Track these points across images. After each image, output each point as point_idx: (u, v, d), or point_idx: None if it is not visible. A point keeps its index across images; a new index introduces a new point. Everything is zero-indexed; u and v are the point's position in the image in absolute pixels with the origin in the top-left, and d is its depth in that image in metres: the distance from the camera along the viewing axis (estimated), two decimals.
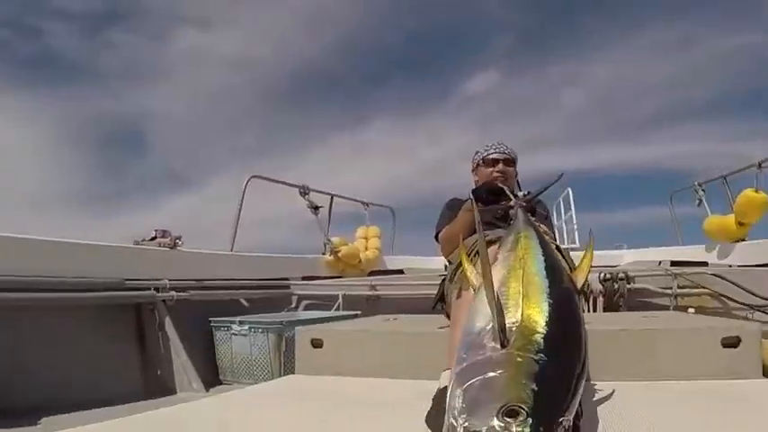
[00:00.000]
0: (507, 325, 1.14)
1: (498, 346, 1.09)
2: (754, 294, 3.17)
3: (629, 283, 3.38)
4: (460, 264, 2.08)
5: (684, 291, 3.33)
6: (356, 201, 6.47)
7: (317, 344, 2.43)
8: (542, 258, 1.45)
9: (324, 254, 5.22)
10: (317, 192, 5.38)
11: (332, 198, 5.77)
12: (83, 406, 2.19)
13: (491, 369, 1.03)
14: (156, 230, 3.73)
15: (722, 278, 3.32)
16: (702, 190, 5.53)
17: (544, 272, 1.36)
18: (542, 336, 1.10)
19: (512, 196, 2.23)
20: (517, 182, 2.63)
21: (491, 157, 2.55)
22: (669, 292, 3.34)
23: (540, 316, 1.16)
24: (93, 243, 3.14)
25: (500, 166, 2.51)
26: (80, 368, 2.77)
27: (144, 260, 3.39)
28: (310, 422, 1.63)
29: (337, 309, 3.90)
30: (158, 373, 3.14)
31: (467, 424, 0.93)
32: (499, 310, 1.17)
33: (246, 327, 3.17)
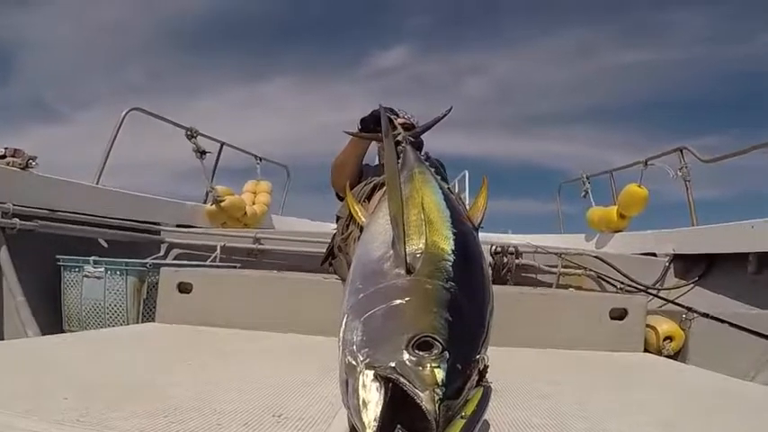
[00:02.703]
0: (411, 251, 0.96)
1: (403, 272, 0.90)
2: (630, 279, 3.33)
3: (517, 258, 3.41)
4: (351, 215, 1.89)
5: (568, 270, 3.43)
6: (248, 153, 6.00)
7: (184, 288, 2.12)
8: (440, 191, 1.32)
9: (205, 203, 4.76)
10: (207, 137, 4.87)
11: (221, 146, 5.29)
12: None
13: (396, 296, 0.83)
14: (5, 148, 3.09)
15: (603, 261, 3.48)
16: (589, 182, 5.82)
17: (444, 203, 1.22)
18: (450, 264, 0.94)
19: (400, 129, 2.12)
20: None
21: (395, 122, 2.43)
22: (554, 270, 3.42)
23: (445, 243, 1.00)
24: None
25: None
26: None
27: None
28: (168, 367, 1.34)
29: (213, 261, 3.54)
30: None
31: (368, 360, 0.74)
32: (404, 234, 0.98)
33: (102, 268, 2.73)
